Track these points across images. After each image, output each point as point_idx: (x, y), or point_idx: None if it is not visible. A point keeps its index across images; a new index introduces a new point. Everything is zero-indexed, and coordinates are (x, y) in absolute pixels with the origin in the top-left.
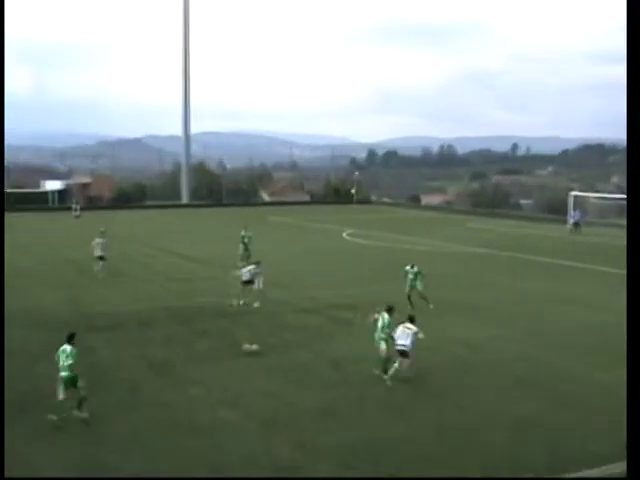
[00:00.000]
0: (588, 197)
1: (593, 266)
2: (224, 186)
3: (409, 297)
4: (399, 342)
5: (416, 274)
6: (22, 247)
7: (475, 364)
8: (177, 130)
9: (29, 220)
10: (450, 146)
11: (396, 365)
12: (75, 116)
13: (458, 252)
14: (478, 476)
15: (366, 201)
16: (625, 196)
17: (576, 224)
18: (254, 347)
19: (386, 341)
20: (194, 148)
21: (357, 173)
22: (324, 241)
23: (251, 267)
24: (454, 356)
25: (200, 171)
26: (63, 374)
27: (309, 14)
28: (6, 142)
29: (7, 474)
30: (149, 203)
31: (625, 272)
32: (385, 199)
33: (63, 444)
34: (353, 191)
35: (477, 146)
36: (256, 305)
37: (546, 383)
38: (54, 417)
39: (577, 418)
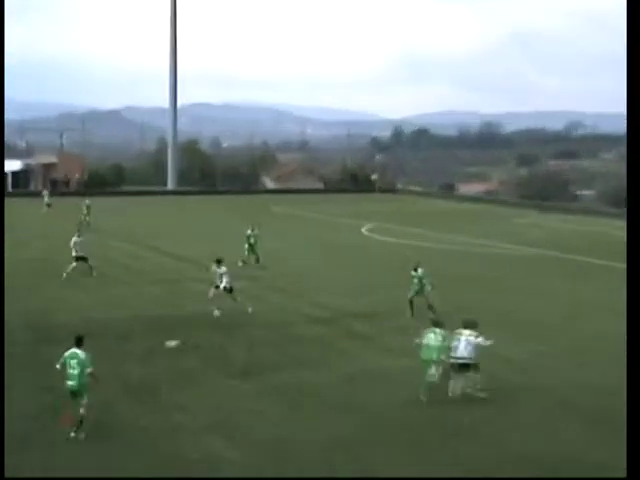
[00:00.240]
0: None
1: None
2: (219, 169)
3: (410, 302)
4: (459, 354)
5: (420, 279)
6: None
7: (520, 387)
8: (162, 101)
9: None
10: (493, 123)
11: (452, 383)
12: (37, 81)
13: (501, 253)
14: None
15: (390, 189)
16: None
17: None
18: (173, 343)
19: (441, 363)
20: (183, 122)
21: (379, 155)
22: (339, 237)
23: (222, 269)
24: (492, 377)
25: (190, 151)
26: (71, 384)
27: None
28: None
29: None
30: (128, 189)
31: None
32: (413, 187)
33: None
34: (374, 177)
35: (526, 124)
36: (250, 310)
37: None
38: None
39: None
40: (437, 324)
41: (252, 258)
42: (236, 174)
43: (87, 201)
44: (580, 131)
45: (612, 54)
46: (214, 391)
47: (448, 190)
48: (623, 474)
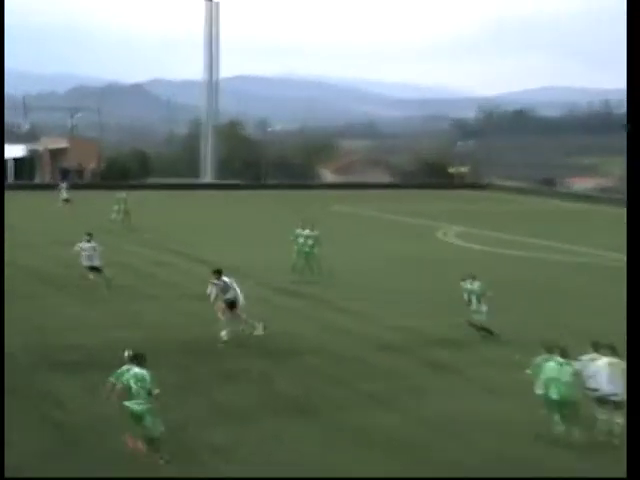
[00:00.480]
0: None
1: None
2: (266, 158)
3: (471, 324)
4: (604, 387)
5: (477, 295)
6: None
7: None
8: (196, 73)
9: None
10: (610, 103)
11: (602, 423)
12: (42, 49)
13: (618, 266)
14: None
15: (477, 184)
16: None
17: None
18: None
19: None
20: (222, 100)
21: (463, 142)
22: (412, 243)
23: (225, 279)
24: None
25: (231, 135)
26: (135, 407)
27: None
28: None
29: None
30: (153, 181)
31: None
32: (507, 182)
33: None
34: (456, 169)
35: None
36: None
37: None
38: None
39: None
40: (561, 352)
41: (303, 266)
42: (288, 164)
43: (123, 194)
44: None
45: None
46: (260, 431)
47: (550, 186)
48: None
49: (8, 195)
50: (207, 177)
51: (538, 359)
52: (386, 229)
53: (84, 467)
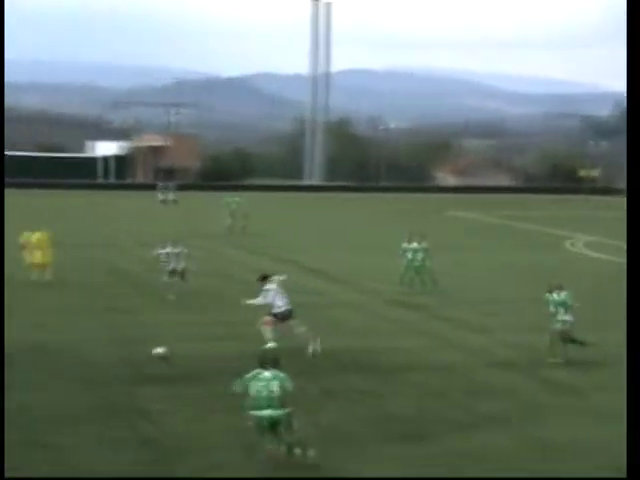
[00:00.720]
0: None
1: None
2: (378, 159)
3: (559, 337)
4: None
5: (564, 304)
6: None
7: None
8: (304, 67)
9: (63, 201)
10: None
11: None
12: (137, 40)
13: None
14: None
15: (610, 189)
16: None
17: None
18: (160, 350)
19: None
20: (332, 95)
21: (597, 142)
22: (536, 254)
23: (271, 286)
24: None
25: (340, 133)
26: (270, 412)
27: None
28: (25, 79)
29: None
30: (255, 182)
31: None
32: None
33: None
34: (587, 173)
35: None
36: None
37: None
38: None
39: None
40: None
41: (412, 278)
42: (401, 166)
43: (236, 198)
44: None
45: None
46: (371, 456)
47: None
48: None
49: (106, 196)
50: (313, 178)
51: None
52: (507, 237)
53: None
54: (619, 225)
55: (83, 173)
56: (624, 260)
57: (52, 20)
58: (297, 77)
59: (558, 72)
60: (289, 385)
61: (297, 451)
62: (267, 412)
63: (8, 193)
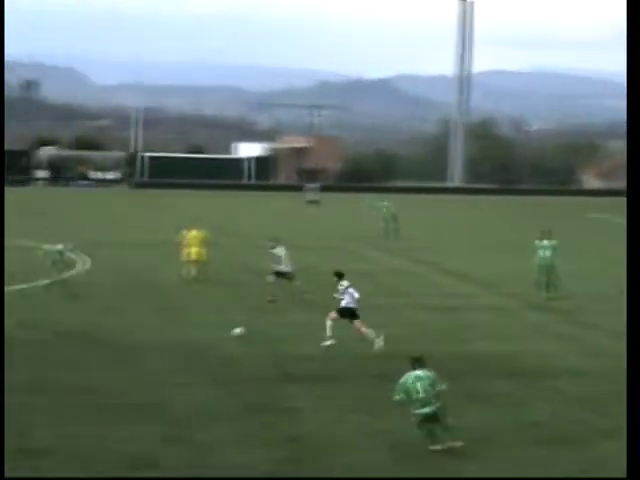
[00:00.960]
0: None
1: None
2: (522, 161)
3: None
4: None
5: None
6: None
7: None
8: (447, 68)
9: (208, 200)
10: None
11: None
12: (281, 43)
13: None
14: None
15: None
16: None
17: None
18: (238, 331)
19: None
20: (475, 97)
21: None
22: None
23: (343, 284)
24: None
25: (483, 135)
26: (426, 409)
27: None
28: (168, 81)
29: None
30: (398, 184)
31: None
32: None
33: None
34: None
35: None
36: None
37: None
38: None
39: None
40: None
41: (546, 281)
42: (545, 168)
43: (385, 202)
44: None
45: None
46: (521, 462)
47: None
48: None
49: (251, 197)
50: (456, 181)
51: None
52: None
53: None
54: None
55: (230, 174)
56: None
57: (197, 25)
58: (442, 78)
59: None
60: (440, 383)
61: (452, 444)
62: (429, 409)
63: (164, 194)
